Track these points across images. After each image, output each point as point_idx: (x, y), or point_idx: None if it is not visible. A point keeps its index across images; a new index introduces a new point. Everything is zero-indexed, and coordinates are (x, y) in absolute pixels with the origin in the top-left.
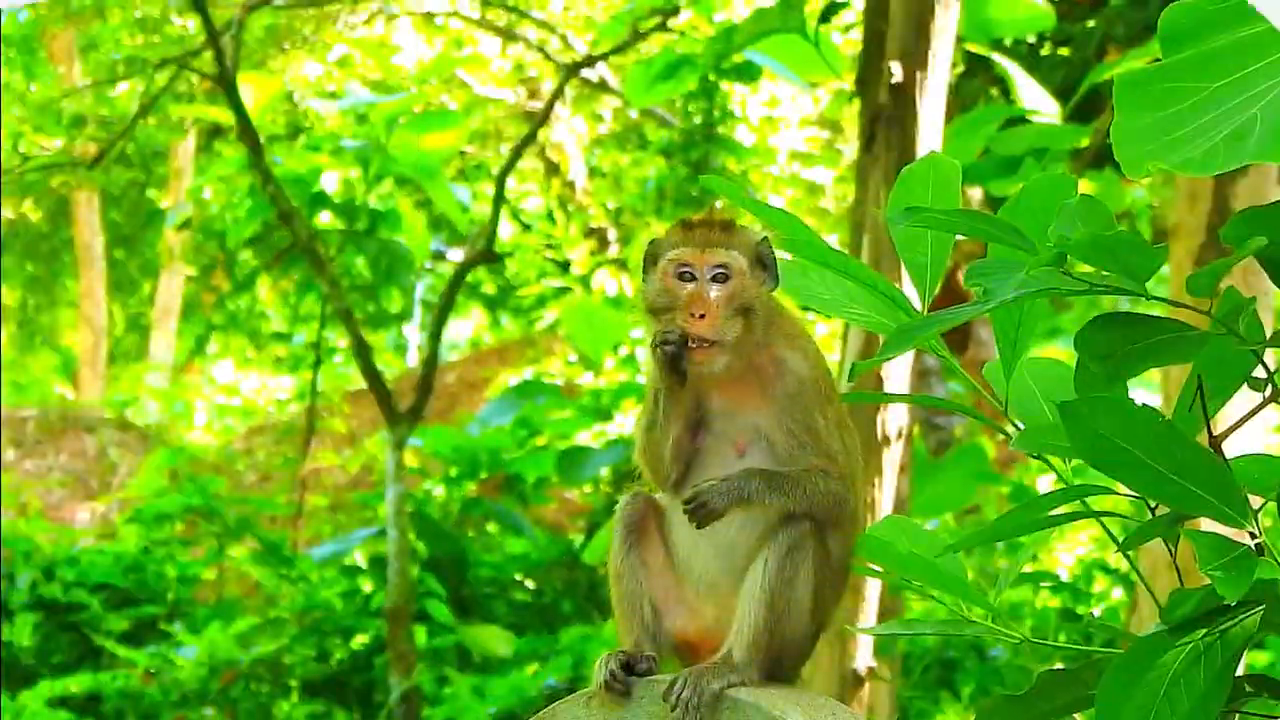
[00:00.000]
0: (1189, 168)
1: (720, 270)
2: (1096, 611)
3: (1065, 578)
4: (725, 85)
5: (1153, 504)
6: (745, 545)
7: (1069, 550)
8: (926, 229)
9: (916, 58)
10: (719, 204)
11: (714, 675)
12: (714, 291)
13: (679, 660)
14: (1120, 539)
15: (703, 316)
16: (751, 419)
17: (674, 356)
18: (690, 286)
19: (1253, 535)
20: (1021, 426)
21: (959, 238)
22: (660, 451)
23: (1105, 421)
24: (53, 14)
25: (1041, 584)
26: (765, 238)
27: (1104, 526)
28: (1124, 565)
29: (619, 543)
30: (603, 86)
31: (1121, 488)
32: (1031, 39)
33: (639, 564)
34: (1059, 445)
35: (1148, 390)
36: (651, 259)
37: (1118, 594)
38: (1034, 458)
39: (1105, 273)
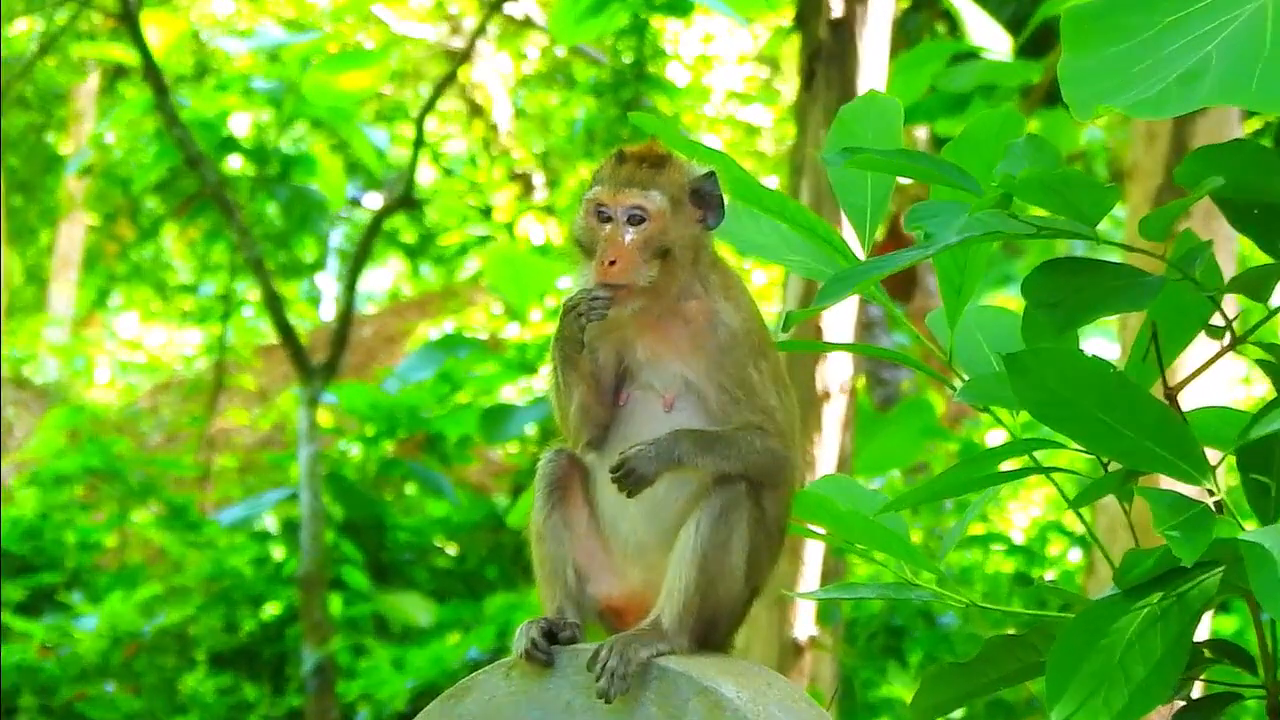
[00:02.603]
0: (1140, 110)
1: (636, 212)
2: (1050, 575)
3: (1019, 540)
4: (657, 21)
5: (1106, 460)
6: (675, 505)
7: (1023, 510)
8: (866, 170)
9: None
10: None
11: (641, 643)
12: (629, 234)
13: (604, 628)
14: (1073, 497)
15: (614, 263)
16: (679, 371)
17: (584, 328)
18: (607, 229)
19: (1211, 493)
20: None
21: (905, 181)
22: (566, 417)
23: (1052, 373)
24: None
25: (993, 546)
26: (710, 173)
27: (1054, 484)
28: (1081, 526)
29: (540, 503)
30: (528, 23)
31: (1075, 443)
32: None
33: (561, 525)
34: (1006, 398)
35: (1106, 340)
36: (584, 193)
37: (1075, 556)
38: (981, 411)
39: (1056, 216)
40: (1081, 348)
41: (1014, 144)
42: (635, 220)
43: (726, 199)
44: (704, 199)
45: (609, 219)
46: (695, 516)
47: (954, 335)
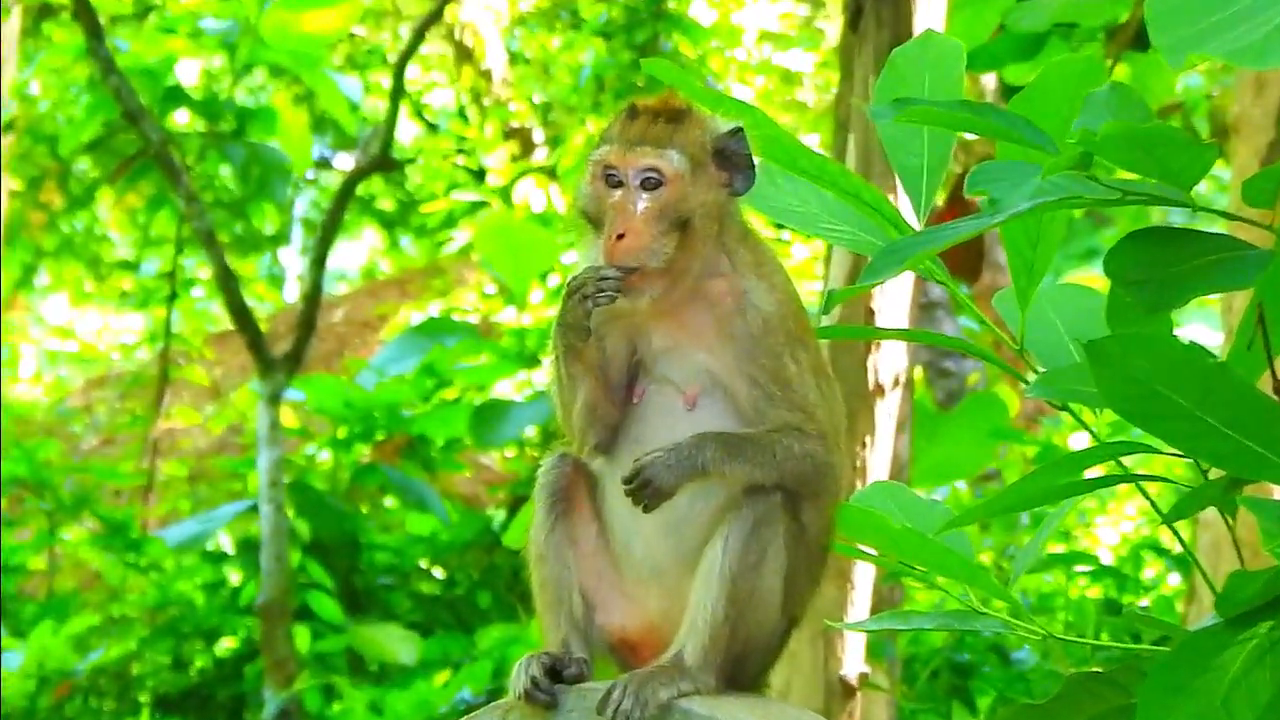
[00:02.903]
0: (1243, 58)
1: (650, 175)
2: (1144, 602)
3: (1108, 560)
4: None
5: (1205, 466)
6: (699, 520)
7: (1112, 526)
8: (921, 125)
9: None
10: None
11: (660, 682)
12: (642, 201)
13: (616, 663)
14: (1168, 510)
15: (623, 236)
16: (703, 362)
17: (590, 312)
18: (616, 195)
19: None
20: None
21: (969, 137)
22: (570, 415)
23: (1140, 363)
24: None
25: (1077, 568)
26: (737, 129)
27: (1145, 494)
28: (1180, 545)
29: (541, 517)
30: None
31: (1169, 446)
32: None
33: (566, 543)
34: (1087, 393)
35: (1208, 326)
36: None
37: (1174, 581)
38: (1058, 409)
39: (1145, 178)
40: (1176, 334)
41: (1095, 94)
42: (650, 185)
43: (757, 159)
44: (730, 159)
45: (619, 184)
46: (722, 533)
47: (1026, 319)
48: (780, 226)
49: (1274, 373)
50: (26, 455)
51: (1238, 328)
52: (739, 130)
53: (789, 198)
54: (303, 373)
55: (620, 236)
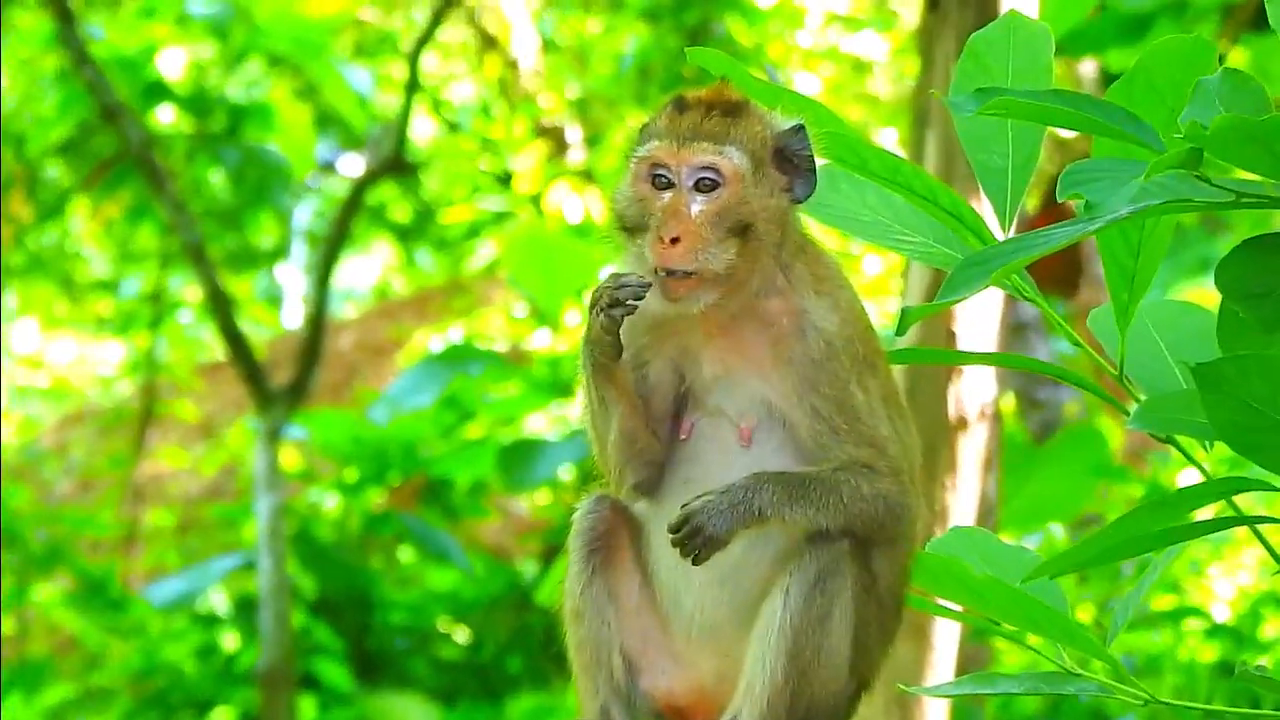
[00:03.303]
0: None
1: (707, 175)
2: (1264, 662)
3: (1223, 616)
4: None
5: None
6: (757, 571)
7: (1229, 577)
8: (1005, 119)
9: None
10: None
11: None
12: (697, 204)
13: None
14: None
15: (676, 240)
16: (759, 392)
17: (616, 324)
18: (666, 197)
19: None
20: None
21: (1064, 133)
22: (605, 448)
23: (1257, 388)
24: None
25: (1188, 625)
26: (798, 126)
27: (1261, 539)
28: None
29: (577, 568)
30: None
31: None
32: None
33: (605, 598)
34: (1195, 423)
35: None
36: (631, 152)
37: None
38: (1162, 441)
39: (1264, 179)
40: None
41: (1206, 81)
42: (706, 186)
43: (819, 160)
44: (790, 161)
45: (669, 184)
46: (782, 586)
47: (1126, 340)
48: (845, 236)
49: None
50: None
51: None
52: (800, 128)
53: (851, 203)
54: (306, 407)
55: (674, 240)
